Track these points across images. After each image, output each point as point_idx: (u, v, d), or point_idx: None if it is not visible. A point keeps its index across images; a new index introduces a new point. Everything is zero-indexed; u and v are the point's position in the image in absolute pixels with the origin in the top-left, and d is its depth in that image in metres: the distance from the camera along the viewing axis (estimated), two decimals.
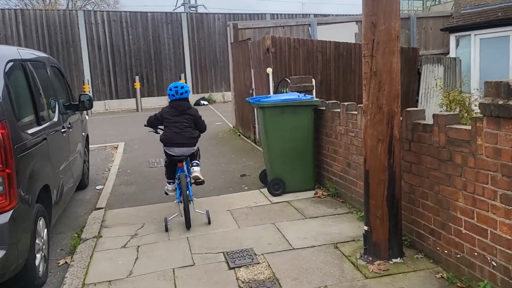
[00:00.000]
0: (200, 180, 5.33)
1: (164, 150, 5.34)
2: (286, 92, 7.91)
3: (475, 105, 8.72)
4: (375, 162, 3.89)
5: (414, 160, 4.02)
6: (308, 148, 6.08)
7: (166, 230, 5.03)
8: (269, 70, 8.52)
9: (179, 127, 5.19)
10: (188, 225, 5.04)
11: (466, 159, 3.35)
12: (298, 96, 6.03)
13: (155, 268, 4.17)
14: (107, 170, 8.64)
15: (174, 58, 19.09)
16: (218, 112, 16.25)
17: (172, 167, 5.42)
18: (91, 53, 17.94)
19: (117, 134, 12.53)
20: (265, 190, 6.27)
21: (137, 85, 17.01)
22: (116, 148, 10.77)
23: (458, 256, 3.51)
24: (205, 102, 18.57)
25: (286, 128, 5.98)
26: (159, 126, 5.51)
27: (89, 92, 16.63)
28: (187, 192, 5.09)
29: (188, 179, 5.28)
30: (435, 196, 3.74)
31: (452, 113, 3.60)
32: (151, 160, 9.06)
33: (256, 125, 9.69)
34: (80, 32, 17.73)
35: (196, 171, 5.42)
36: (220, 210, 5.67)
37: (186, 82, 18.00)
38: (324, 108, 6.02)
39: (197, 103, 18.54)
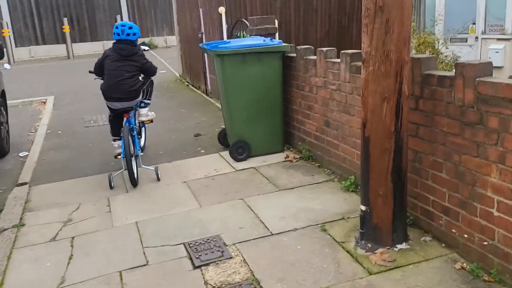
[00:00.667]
0: (148, 121, 5.29)
1: (109, 114, 4.92)
2: (243, 36, 6.81)
3: (446, 48, 8.09)
4: (378, 126, 3.03)
5: (423, 122, 3.21)
6: (275, 103, 5.14)
7: (111, 187, 4.61)
8: (222, 10, 7.32)
9: (117, 76, 4.53)
10: (133, 182, 4.57)
11: (506, 123, 2.56)
12: (264, 41, 4.99)
13: (95, 271, 3.19)
14: (33, 131, 7.30)
15: None
16: (161, 59, 14.76)
17: (118, 121, 4.84)
18: None
19: (46, 86, 10.93)
20: (225, 153, 5.34)
21: (66, 28, 15.02)
22: (44, 103, 9.29)
23: (485, 243, 2.81)
24: (146, 48, 16.87)
25: (249, 79, 4.98)
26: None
27: (9, 37, 14.48)
28: (130, 146, 4.54)
29: (134, 133, 4.78)
30: (454, 167, 2.97)
31: (484, 61, 2.77)
32: (87, 117, 7.78)
33: (207, 74, 8.56)
34: None
35: (142, 114, 5.16)
36: (174, 182, 4.69)
37: None
38: (294, 55, 5.05)
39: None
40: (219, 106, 7.92)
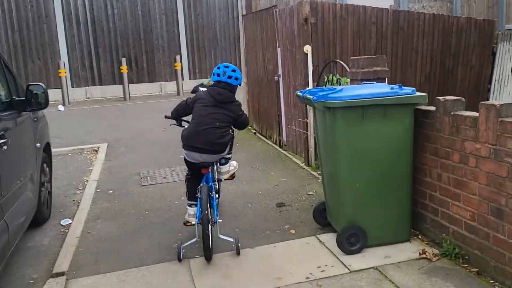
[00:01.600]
0: (230, 177, 4.44)
1: (187, 172, 4.22)
2: (336, 81, 5.49)
3: None
4: None
5: None
6: (403, 174, 3.69)
7: (179, 259, 3.79)
8: (307, 49, 6.07)
9: (206, 123, 3.81)
10: (208, 255, 3.71)
11: None
12: (392, 88, 3.60)
13: None
14: (80, 188, 6.18)
15: (168, 37, 16.46)
16: None
17: (197, 182, 3.99)
18: (68, 30, 15.23)
19: (99, 131, 10.02)
20: (326, 237, 3.94)
21: (124, 69, 14.41)
22: (97, 151, 8.28)
23: None
24: (204, 89, 16.03)
25: (369, 142, 3.58)
26: (183, 118, 4.29)
27: (65, 78, 13.98)
28: (208, 209, 3.71)
29: (212, 193, 3.95)
30: None
31: None
32: (143, 172, 6.61)
33: (283, 123, 7.26)
34: (55, 5, 15.00)
35: (223, 171, 4.31)
36: (262, 284, 3.29)
37: (181, 65, 15.43)
38: (431, 108, 3.62)
39: (195, 90, 15.98)
40: (298, 162, 6.58)
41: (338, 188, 3.72)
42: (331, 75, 5.62)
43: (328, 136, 3.71)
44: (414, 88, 3.62)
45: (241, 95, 11.82)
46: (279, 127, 7.48)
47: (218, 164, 4.20)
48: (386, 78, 4.71)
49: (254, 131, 9.04)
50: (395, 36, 6.73)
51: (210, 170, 3.98)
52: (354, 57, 4.78)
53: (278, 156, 7.10)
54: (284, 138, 7.28)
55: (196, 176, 4.02)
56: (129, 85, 14.86)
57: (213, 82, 3.97)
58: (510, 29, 8.26)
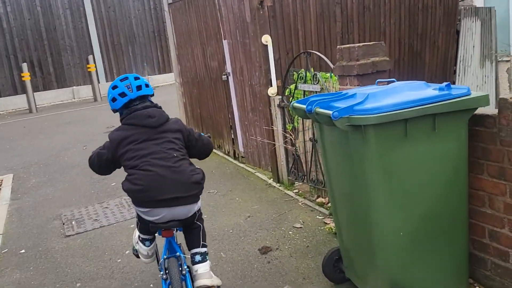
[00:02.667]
0: None
1: (136, 212, 2.74)
2: (311, 78, 4.33)
3: None
4: None
5: None
6: (457, 207, 2.60)
7: None
8: (267, 40, 4.83)
9: (163, 159, 2.57)
10: None
11: None
12: (441, 89, 2.46)
13: None
14: None
15: (75, 35, 14.31)
16: None
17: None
18: None
19: (1, 156, 8.06)
20: None
21: (26, 75, 12.20)
22: None
23: None
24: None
25: (416, 169, 2.44)
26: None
27: None
28: None
29: (184, 269, 2.64)
30: None
31: None
32: (66, 214, 5.02)
33: (238, 132, 5.98)
34: None
35: (203, 273, 2.70)
36: None
37: (95, 66, 13.47)
38: (493, 113, 2.56)
39: None
40: (264, 178, 5.36)
41: (372, 237, 2.55)
42: (302, 70, 4.44)
43: (352, 165, 2.51)
44: (468, 86, 2.52)
45: (165, 96, 10.40)
46: (233, 136, 6.19)
47: (191, 259, 2.78)
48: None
49: None
50: (361, 17, 5.70)
51: (174, 232, 2.82)
52: (343, 46, 3.61)
53: (236, 171, 5.82)
54: (241, 149, 6.01)
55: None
56: (34, 94, 12.67)
57: (121, 106, 2.68)
58: (471, 4, 7.62)
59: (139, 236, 2.96)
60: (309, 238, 3.70)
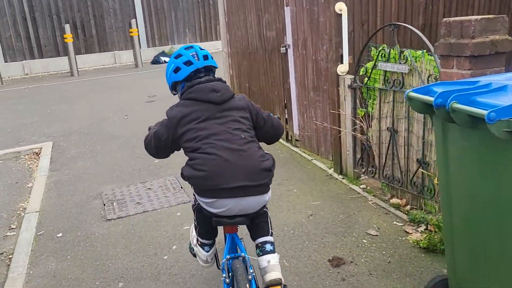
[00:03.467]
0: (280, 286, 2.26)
1: (196, 202, 2.36)
2: (396, 57, 3.66)
3: None
4: None
5: None
6: None
7: None
8: (341, 8, 4.16)
9: (228, 139, 2.17)
10: None
11: None
12: None
13: None
14: (13, 226, 4.15)
15: None
16: None
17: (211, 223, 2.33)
18: None
19: (41, 122, 7.77)
20: None
21: (69, 37, 11.86)
22: (38, 155, 6.14)
23: None
24: (167, 59, 13.70)
25: None
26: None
27: None
28: None
29: (250, 272, 2.20)
30: None
31: None
32: (106, 193, 4.62)
33: (294, 111, 5.38)
34: None
35: (275, 265, 2.29)
36: None
37: (138, 31, 13.00)
38: None
39: (156, 61, 13.69)
40: (323, 167, 4.78)
41: None
42: (384, 45, 3.76)
43: (501, 186, 1.86)
44: None
45: (220, 70, 9.82)
46: (287, 116, 5.60)
47: (259, 250, 2.37)
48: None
49: None
50: None
51: (238, 228, 2.43)
52: (452, 19, 2.91)
53: (290, 156, 5.25)
54: (296, 131, 5.42)
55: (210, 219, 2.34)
56: (76, 56, 12.36)
57: (182, 80, 2.35)
58: None
59: (197, 239, 2.61)
60: (389, 251, 3.12)
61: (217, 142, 2.16)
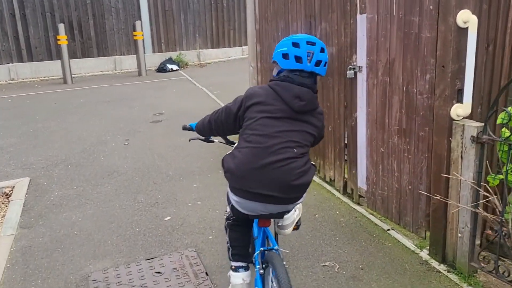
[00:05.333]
0: (295, 228, 2.77)
1: (229, 197, 2.34)
2: None
3: None
4: None
5: None
6: None
7: None
8: (467, 18, 2.69)
9: (276, 151, 2.14)
10: None
11: None
12: None
13: None
14: None
15: None
16: (200, 85, 10.12)
17: (247, 229, 2.53)
18: None
19: (20, 145, 6.26)
20: None
21: (63, 39, 10.37)
22: (8, 197, 4.64)
23: None
24: (174, 67, 12.20)
25: None
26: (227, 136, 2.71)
27: None
28: None
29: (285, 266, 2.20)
30: None
31: None
32: (98, 278, 3.11)
33: (361, 159, 3.90)
34: None
35: (286, 222, 2.69)
36: None
37: (142, 34, 11.52)
38: None
39: (162, 69, 12.20)
40: (412, 248, 3.23)
41: None
42: None
43: None
44: None
45: (214, 74, 8.36)
46: (347, 162, 4.12)
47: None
48: None
49: None
50: None
51: (271, 222, 2.43)
52: None
53: (357, 224, 3.75)
54: (362, 185, 3.94)
55: (246, 222, 2.45)
56: (71, 61, 10.88)
57: (283, 71, 2.22)
58: None
59: (233, 267, 2.52)
60: None
61: (266, 143, 2.12)
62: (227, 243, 2.54)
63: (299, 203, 2.30)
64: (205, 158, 5.45)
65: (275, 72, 2.30)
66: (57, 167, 5.38)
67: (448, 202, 2.95)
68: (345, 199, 4.18)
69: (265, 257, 2.31)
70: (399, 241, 3.42)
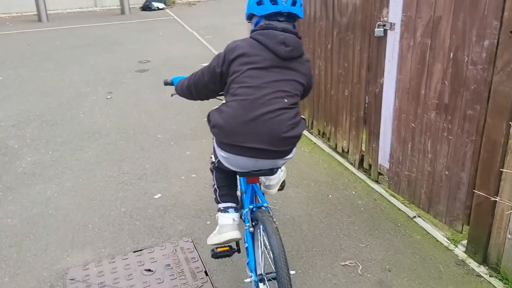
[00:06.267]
0: (280, 188, 2.86)
1: (216, 152, 2.25)
2: None
3: None
4: None
5: None
6: None
7: None
8: None
9: (265, 102, 2.04)
10: None
11: None
12: None
13: None
14: None
15: None
16: (191, 29, 9.24)
17: (231, 178, 2.45)
18: None
19: None
20: None
21: None
22: None
23: None
24: (160, 5, 11.18)
25: None
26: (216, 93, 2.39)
27: None
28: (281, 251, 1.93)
29: (275, 223, 2.09)
30: None
31: None
32: (76, 276, 2.63)
33: (386, 134, 3.35)
34: None
35: (272, 182, 2.76)
36: None
37: None
38: None
39: (147, 7, 11.20)
40: (445, 243, 2.73)
41: None
42: None
43: None
44: None
45: (211, 13, 7.63)
46: (367, 134, 3.56)
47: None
48: None
49: None
50: None
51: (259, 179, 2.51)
52: None
53: (378, 208, 3.25)
54: (384, 163, 3.41)
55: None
56: None
57: (261, 21, 2.13)
58: None
59: (221, 208, 2.41)
60: None
61: (255, 96, 2.02)
62: (213, 185, 2.46)
63: (289, 158, 2.19)
64: (198, 119, 4.85)
65: (252, 26, 2.19)
66: (30, 125, 4.74)
67: (498, 200, 2.45)
68: (361, 175, 3.67)
69: (254, 215, 2.22)
70: (428, 233, 2.96)
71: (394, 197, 3.35)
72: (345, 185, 3.54)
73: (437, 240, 2.89)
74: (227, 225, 2.35)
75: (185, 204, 3.32)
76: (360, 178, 3.64)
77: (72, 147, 4.29)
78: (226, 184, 2.42)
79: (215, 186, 2.44)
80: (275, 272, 1.91)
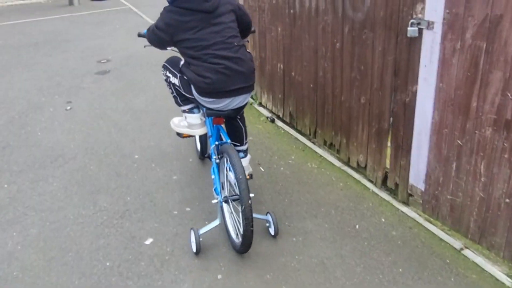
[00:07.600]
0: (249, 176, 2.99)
1: (177, 75, 2.73)
2: None
3: None
4: None
5: None
6: None
7: (197, 253, 2.59)
8: None
9: (226, 50, 2.47)
10: (244, 251, 2.55)
11: None
12: None
13: None
14: None
15: None
16: (150, 20, 8.39)
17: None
18: None
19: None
20: None
21: None
22: None
23: None
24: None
25: None
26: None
27: None
28: (248, 188, 2.35)
29: (239, 155, 2.56)
30: None
31: None
32: None
33: (422, 149, 2.83)
34: None
35: (245, 166, 2.94)
36: None
37: None
38: None
39: None
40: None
41: None
42: None
43: None
44: None
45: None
46: (392, 150, 3.04)
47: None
48: None
49: (270, 115, 4.46)
50: None
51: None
52: None
53: (418, 241, 2.74)
54: (417, 184, 2.90)
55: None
56: None
57: None
58: None
59: (186, 109, 2.88)
60: None
61: (217, 52, 2.43)
62: (172, 93, 2.86)
63: (252, 93, 2.68)
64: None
65: (171, 1, 2.50)
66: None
67: None
68: (385, 195, 3.16)
69: (220, 149, 2.63)
70: (484, 270, 2.50)
71: (430, 222, 2.88)
72: (371, 211, 3.03)
73: (498, 280, 2.43)
74: (196, 124, 2.90)
75: (185, 252, 2.70)
76: (384, 199, 3.13)
77: (32, 177, 3.54)
78: (187, 88, 2.68)
79: (174, 93, 2.82)
80: (237, 194, 2.33)
